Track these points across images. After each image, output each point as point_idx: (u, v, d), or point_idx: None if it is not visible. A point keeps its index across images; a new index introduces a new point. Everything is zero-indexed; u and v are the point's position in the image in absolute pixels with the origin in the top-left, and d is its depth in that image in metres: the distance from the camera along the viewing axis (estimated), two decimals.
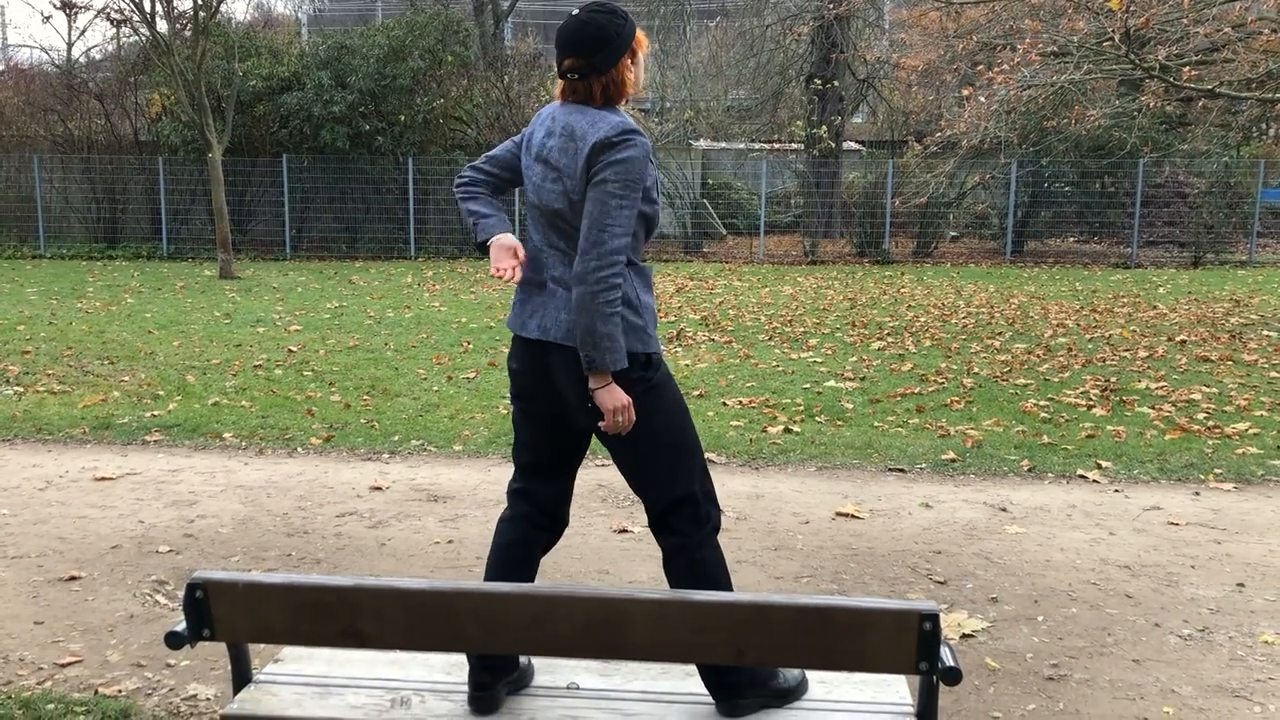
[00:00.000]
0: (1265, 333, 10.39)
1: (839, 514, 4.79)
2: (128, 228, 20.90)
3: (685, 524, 2.69)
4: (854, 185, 21.75)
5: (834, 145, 21.84)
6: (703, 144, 26.84)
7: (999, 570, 4.10)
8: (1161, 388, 7.60)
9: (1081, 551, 4.30)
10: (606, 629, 1.97)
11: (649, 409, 2.64)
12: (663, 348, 9.22)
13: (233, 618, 2.12)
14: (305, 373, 8.21)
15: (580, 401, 2.61)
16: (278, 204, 20.46)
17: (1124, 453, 5.83)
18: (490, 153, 2.84)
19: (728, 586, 2.68)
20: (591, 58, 2.58)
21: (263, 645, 2.29)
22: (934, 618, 1.92)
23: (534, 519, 2.79)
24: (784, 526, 4.62)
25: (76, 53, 27.81)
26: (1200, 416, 6.68)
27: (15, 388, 7.57)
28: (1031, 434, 6.25)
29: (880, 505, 4.93)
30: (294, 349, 9.30)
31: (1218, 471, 5.46)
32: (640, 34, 2.68)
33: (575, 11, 2.66)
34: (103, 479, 5.34)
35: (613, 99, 2.64)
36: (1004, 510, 4.86)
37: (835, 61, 21.49)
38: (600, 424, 2.60)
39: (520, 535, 2.78)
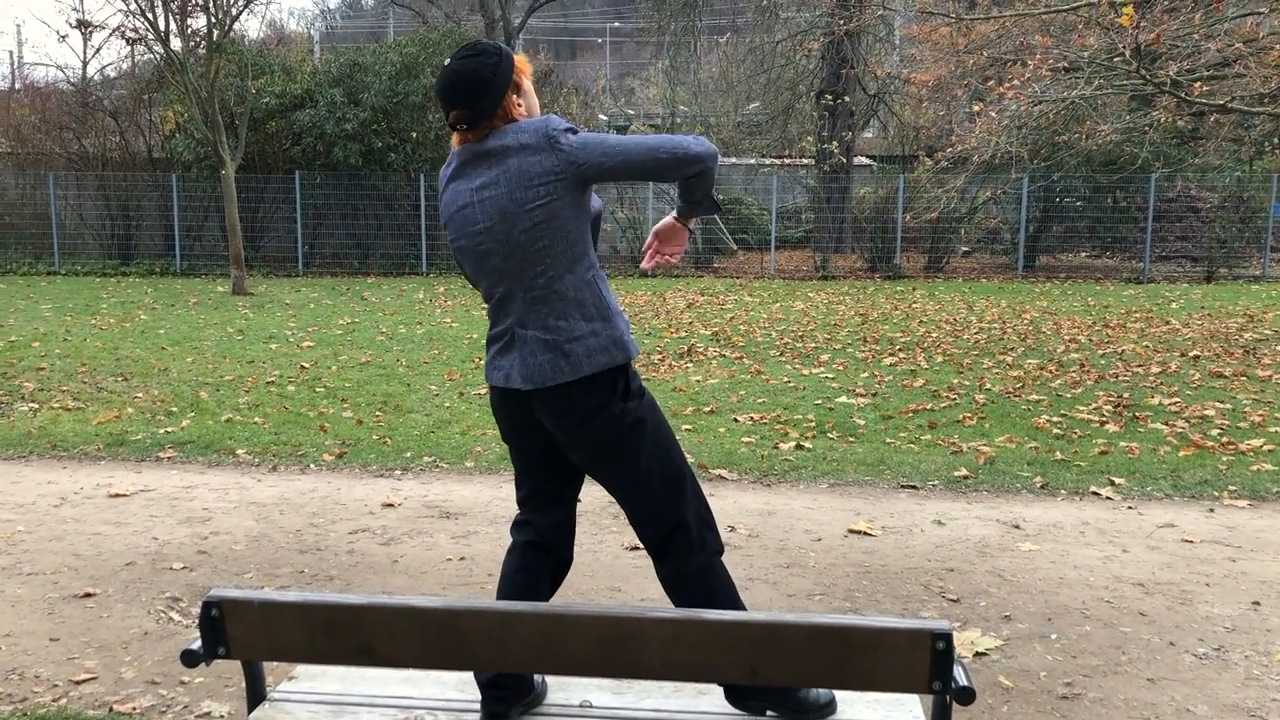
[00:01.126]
0: (1279, 348, 10.34)
1: (851, 531, 4.78)
2: (141, 244, 21.03)
3: (681, 552, 2.67)
4: (865, 200, 21.75)
5: (845, 160, 21.87)
6: None
7: (1012, 588, 4.09)
8: (1175, 404, 7.57)
9: (1095, 569, 4.28)
10: (620, 648, 1.98)
11: (635, 445, 2.61)
12: (673, 363, 9.12)
13: (248, 636, 2.13)
14: (318, 389, 8.24)
15: (569, 439, 2.61)
16: (290, 220, 20.57)
17: (1137, 469, 5.80)
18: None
19: (738, 609, 2.68)
20: (474, 105, 2.54)
21: (277, 663, 2.30)
22: (947, 637, 1.91)
23: (538, 550, 2.80)
24: (796, 544, 4.61)
25: (91, 70, 28.03)
26: (1214, 433, 6.65)
27: (30, 404, 7.62)
28: (1044, 450, 6.24)
29: (893, 522, 4.92)
30: (306, 365, 9.34)
31: (1232, 488, 5.44)
32: (520, 61, 2.63)
33: (448, 62, 2.62)
34: (117, 495, 5.37)
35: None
36: (1017, 527, 4.84)
37: (846, 77, 21.52)
38: (658, 255, 2.67)
39: (526, 564, 2.79)
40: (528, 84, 2.65)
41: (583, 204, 2.55)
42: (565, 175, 2.48)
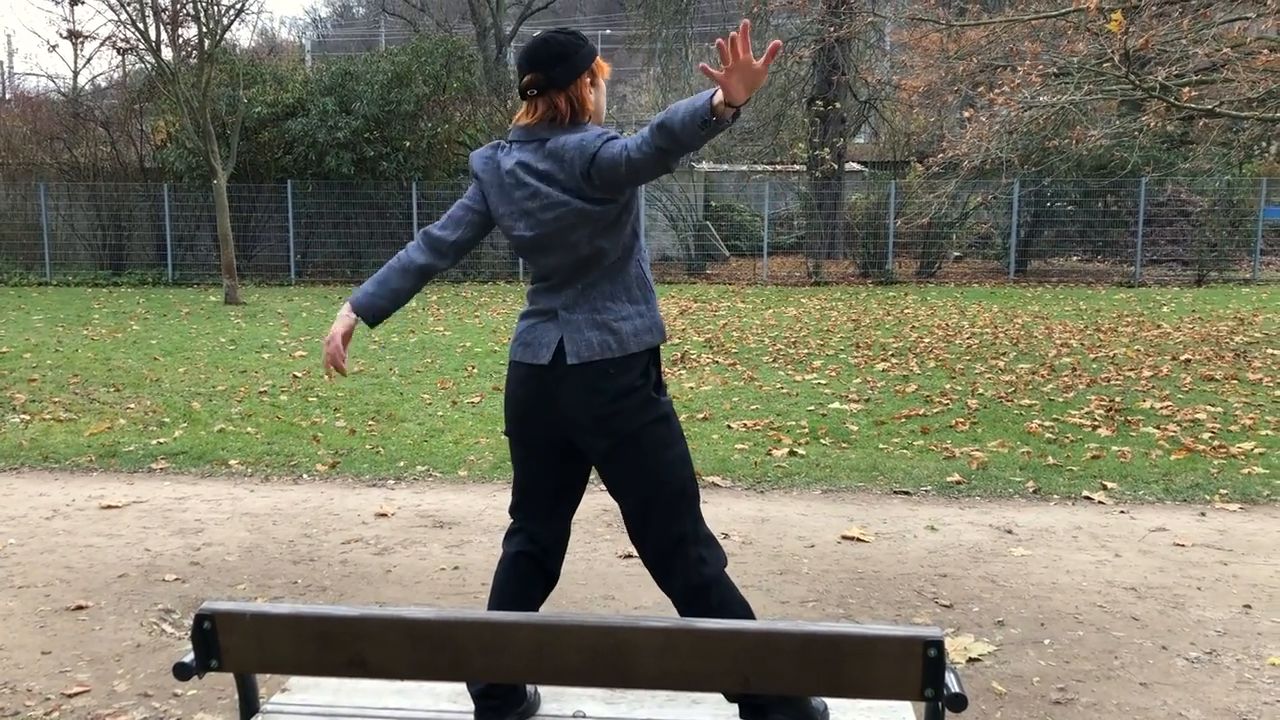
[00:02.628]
0: (1270, 351, 10.38)
1: (844, 537, 4.78)
2: (133, 254, 21.00)
3: (685, 565, 2.67)
4: (857, 206, 21.81)
5: (836, 166, 21.91)
6: (705, 166, 26.93)
7: (1005, 593, 4.10)
8: (1166, 407, 7.60)
9: (1087, 574, 4.29)
10: (613, 658, 1.98)
11: (657, 440, 2.64)
12: (666, 370, 9.14)
13: (240, 648, 2.13)
14: (310, 399, 8.23)
15: (595, 421, 2.62)
16: (282, 229, 20.56)
17: (1129, 473, 5.82)
18: (453, 223, 2.79)
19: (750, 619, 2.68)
20: (549, 71, 2.61)
21: (269, 675, 2.30)
22: (939, 644, 1.92)
23: (530, 560, 2.79)
24: (789, 550, 4.62)
25: (82, 80, 28.02)
26: (1205, 436, 6.67)
27: (22, 415, 7.60)
28: (1036, 455, 6.25)
29: (885, 528, 4.93)
30: (299, 375, 9.33)
31: (1223, 492, 5.46)
32: (601, 61, 2.71)
33: (537, 33, 2.73)
34: (109, 507, 5.35)
35: (578, 116, 2.65)
36: (1009, 532, 4.85)
37: (837, 83, 21.59)
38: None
39: (517, 575, 2.79)
40: (603, 82, 2.72)
41: (629, 205, 2.63)
42: (601, 204, 2.57)
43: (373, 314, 2.76)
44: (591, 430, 2.64)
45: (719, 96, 2.43)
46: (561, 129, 2.62)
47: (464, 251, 2.84)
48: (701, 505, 2.76)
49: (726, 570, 2.73)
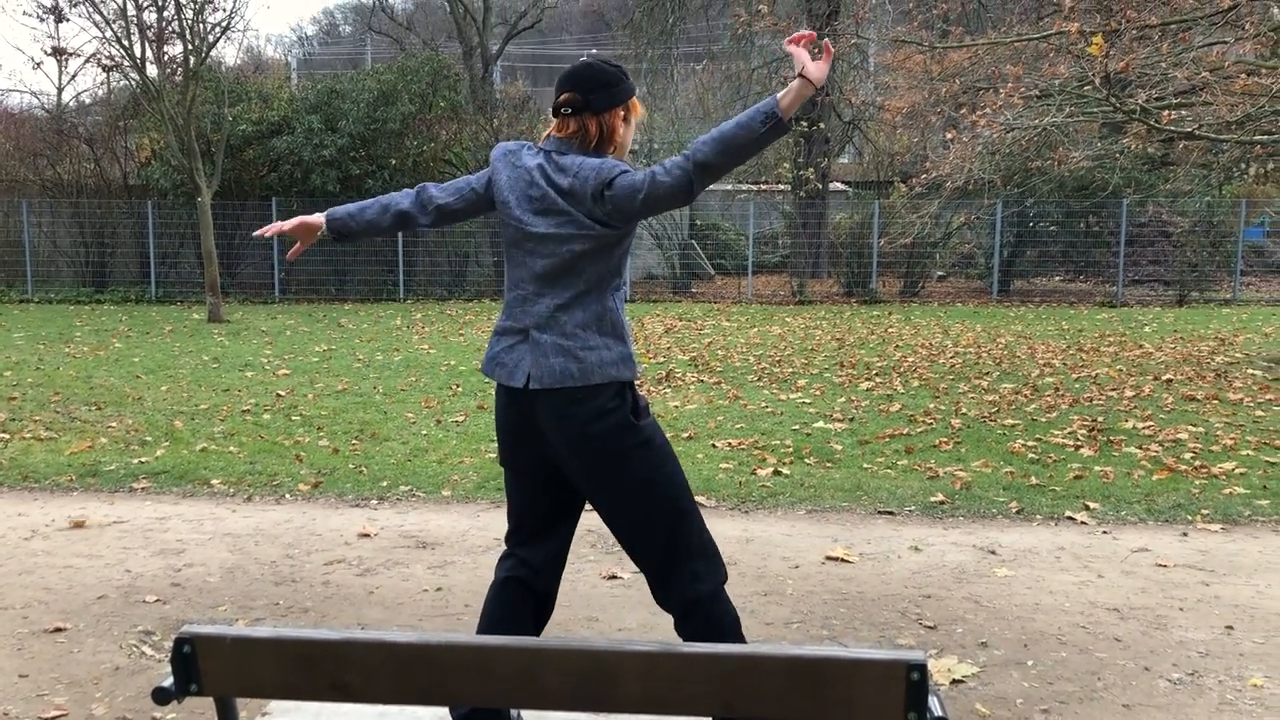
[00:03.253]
0: (1250, 371, 10.46)
1: (829, 558, 4.79)
2: (116, 272, 20.91)
3: (683, 580, 2.69)
4: (841, 225, 21.92)
5: (820, 186, 22.02)
6: None
7: (988, 614, 4.10)
8: (1148, 427, 7.64)
9: (1070, 594, 4.30)
10: (596, 682, 1.97)
11: (642, 464, 2.66)
12: (651, 388, 9.12)
13: (220, 672, 2.11)
14: (293, 417, 8.20)
15: (572, 446, 2.63)
16: (267, 247, 20.49)
17: (1112, 494, 5.85)
18: (455, 190, 2.88)
19: (739, 639, 2.71)
20: (588, 94, 2.67)
21: (250, 699, 2.28)
22: (922, 667, 1.92)
23: (520, 585, 2.79)
24: (774, 571, 4.61)
25: (67, 97, 27.95)
26: (1187, 456, 6.71)
27: (1, 434, 7.54)
28: (1020, 475, 6.27)
29: (870, 549, 4.93)
30: (282, 393, 9.29)
31: (1205, 512, 5.49)
32: (637, 101, 2.76)
33: (584, 58, 2.79)
34: (89, 527, 5.31)
35: (604, 144, 2.69)
36: (993, 553, 4.86)
37: (821, 104, 21.71)
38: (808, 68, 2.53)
39: (506, 600, 2.79)
40: (635, 122, 2.79)
41: (627, 235, 2.69)
42: (607, 228, 2.63)
43: (338, 224, 2.91)
44: (571, 452, 2.65)
45: (788, 98, 2.51)
46: (585, 151, 2.67)
47: (447, 218, 2.90)
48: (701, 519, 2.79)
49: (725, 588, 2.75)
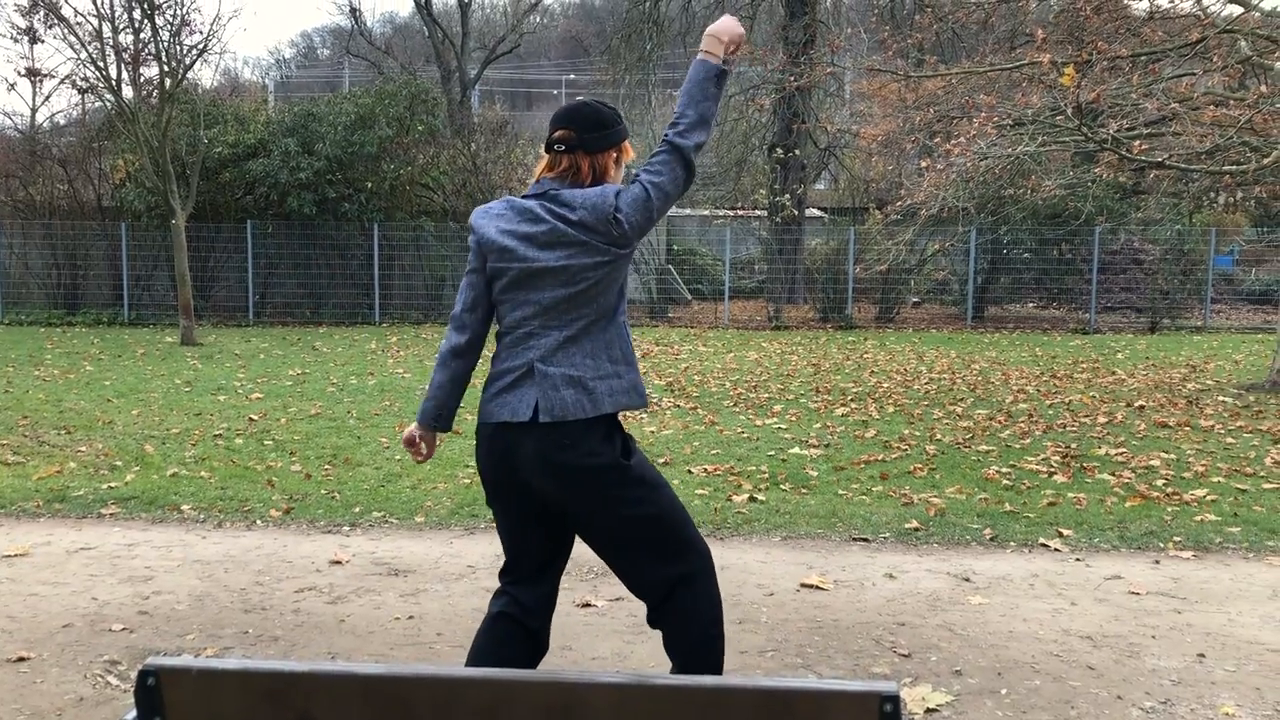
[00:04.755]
0: (1221, 398, 10.55)
1: (804, 585, 4.77)
2: (88, 294, 20.75)
3: (677, 599, 2.78)
4: (817, 251, 22.04)
5: (796, 213, 22.15)
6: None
7: (963, 642, 4.10)
8: (1121, 454, 7.68)
9: (1044, 622, 4.31)
10: (565, 715, 1.95)
11: (638, 496, 2.70)
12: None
13: (186, 705, 2.08)
14: (266, 442, 8.13)
15: (569, 480, 2.64)
16: (241, 270, 20.42)
17: (1085, 520, 5.87)
18: (471, 304, 2.84)
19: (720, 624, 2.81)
20: (583, 133, 2.70)
21: None
22: (895, 698, 1.90)
23: (512, 622, 2.80)
24: (749, 599, 4.60)
25: (41, 118, 27.79)
26: (1159, 483, 6.75)
27: None
28: (994, 502, 6.29)
29: (844, 576, 4.92)
30: (255, 417, 9.22)
31: (1177, 539, 5.51)
32: (629, 145, 2.81)
33: (580, 97, 2.83)
34: (56, 554, 5.23)
35: (595, 184, 2.71)
36: (967, 580, 4.87)
37: (797, 131, 21.86)
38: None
39: (497, 637, 2.79)
40: (625, 164, 2.83)
41: (629, 260, 2.73)
42: (624, 248, 2.67)
43: (441, 418, 2.90)
44: (560, 494, 2.65)
45: (716, 55, 2.77)
46: (578, 187, 2.69)
47: (487, 320, 2.86)
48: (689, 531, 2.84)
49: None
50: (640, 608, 4.36)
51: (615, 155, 2.76)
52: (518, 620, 2.80)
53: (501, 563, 2.92)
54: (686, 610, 2.76)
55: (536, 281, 2.66)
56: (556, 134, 2.71)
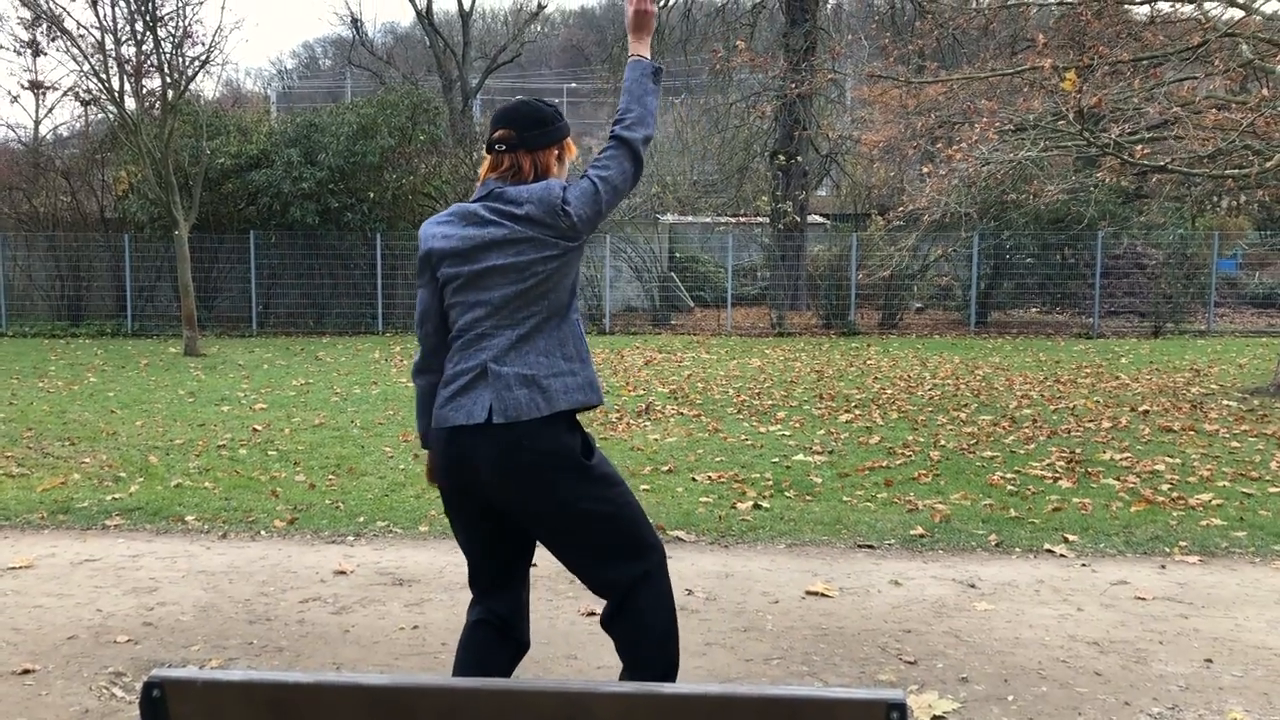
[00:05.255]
0: (1225, 402, 10.53)
1: (809, 593, 4.76)
2: (92, 305, 20.79)
3: (634, 598, 2.80)
4: (819, 258, 22.05)
5: (799, 219, 22.16)
6: (670, 218, 27.13)
7: (969, 649, 4.08)
8: (1126, 459, 7.67)
9: (1050, 628, 4.29)
10: None
11: (598, 494, 2.71)
12: (631, 421, 9.06)
13: (191, 716, 2.07)
14: (270, 452, 8.13)
15: (522, 483, 2.64)
16: (245, 280, 20.44)
17: (1090, 526, 5.85)
18: (421, 317, 2.87)
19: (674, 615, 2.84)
20: (523, 131, 2.71)
21: None
22: (901, 706, 1.90)
23: (490, 628, 2.80)
24: (754, 607, 4.59)
25: (44, 130, 27.85)
26: (1164, 488, 6.73)
27: None
28: (999, 508, 6.27)
29: (850, 583, 4.91)
30: (259, 428, 9.22)
31: (1183, 544, 5.50)
32: (571, 143, 2.82)
33: (520, 97, 2.85)
34: (61, 565, 5.23)
35: (538, 182, 2.71)
36: (973, 586, 4.85)
37: (798, 138, 21.89)
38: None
39: (475, 642, 2.80)
40: (568, 162, 2.85)
41: (580, 255, 2.73)
42: (574, 240, 2.67)
43: (426, 434, 2.93)
44: (518, 495, 2.65)
45: (643, 47, 2.87)
46: (521, 185, 2.67)
47: (443, 330, 2.85)
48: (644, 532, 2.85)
49: (678, 621, 2.83)
50: None
51: (557, 152, 2.77)
52: (495, 626, 2.81)
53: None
54: (649, 608, 2.78)
55: (486, 281, 2.66)
56: (497, 134, 2.74)
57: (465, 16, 34.25)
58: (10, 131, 32.69)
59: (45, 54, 23.77)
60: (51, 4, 17.10)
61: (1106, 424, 9.20)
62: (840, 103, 25.36)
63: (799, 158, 22.57)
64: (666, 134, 30.49)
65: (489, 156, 2.76)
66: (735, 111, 24.30)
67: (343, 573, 5.10)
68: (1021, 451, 8.01)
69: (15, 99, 47.17)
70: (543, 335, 2.66)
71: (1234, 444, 8.25)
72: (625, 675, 2.85)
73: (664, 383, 12.37)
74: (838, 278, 20.45)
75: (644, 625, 2.79)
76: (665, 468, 7.47)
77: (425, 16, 33.79)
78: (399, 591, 4.82)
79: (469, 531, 2.79)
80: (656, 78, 2.86)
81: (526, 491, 2.64)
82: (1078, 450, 8.00)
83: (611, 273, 21.03)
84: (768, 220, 22.91)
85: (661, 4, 24.94)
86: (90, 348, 17.33)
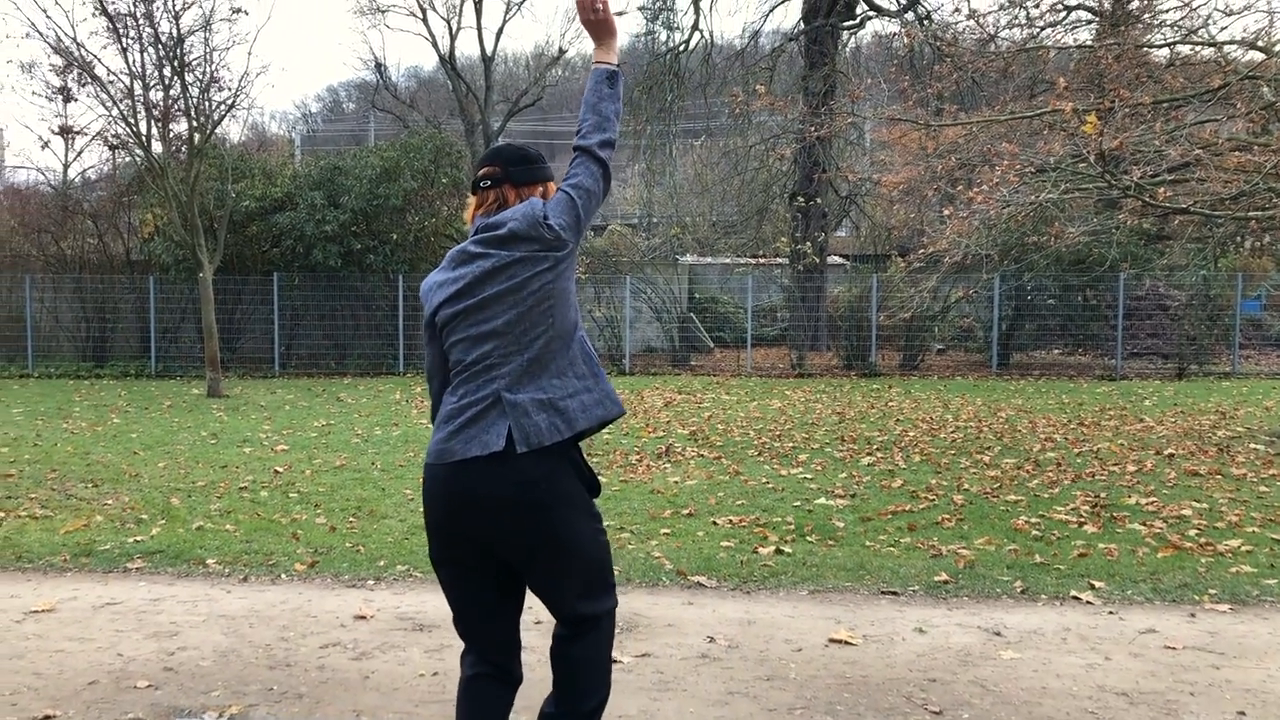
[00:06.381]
0: (1253, 445, 10.42)
1: (832, 640, 4.71)
2: (116, 346, 20.97)
3: (603, 627, 2.88)
4: (839, 299, 22.04)
5: (818, 260, 22.18)
6: (689, 259, 27.23)
7: (995, 699, 4.02)
8: (1152, 503, 7.58)
9: (1078, 678, 4.23)
10: None
11: (592, 530, 2.78)
12: (651, 463, 8.98)
13: None
14: (291, 494, 8.14)
15: (530, 512, 2.65)
16: (267, 321, 20.59)
17: (1117, 572, 5.78)
18: (430, 372, 2.92)
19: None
20: (508, 167, 2.78)
21: None
22: None
23: (489, 680, 2.81)
24: (776, 654, 4.54)
25: (72, 173, 28.27)
26: (1192, 533, 6.64)
27: None
28: (1023, 553, 6.20)
29: (874, 630, 4.86)
30: (280, 469, 9.24)
31: (1212, 592, 5.41)
32: (555, 185, 2.88)
33: (504, 140, 2.94)
34: (83, 609, 5.24)
35: None
36: (998, 634, 4.79)
37: (818, 180, 21.97)
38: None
39: (476, 695, 2.80)
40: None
41: (574, 266, 2.77)
42: (561, 250, 2.69)
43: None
44: (522, 526, 2.66)
45: (606, 53, 2.96)
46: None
47: (445, 367, 2.91)
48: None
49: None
50: (667, 664, 4.32)
51: (541, 190, 2.83)
52: (493, 677, 2.81)
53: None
54: (604, 641, 2.85)
55: (486, 311, 2.68)
56: (482, 172, 2.82)
57: (487, 61, 34.67)
58: (40, 175, 33.18)
59: (76, 100, 24.15)
60: (83, 51, 17.40)
61: (1131, 467, 9.10)
62: (859, 145, 25.47)
63: (818, 199, 22.64)
64: (686, 175, 30.67)
65: (475, 196, 2.81)
66: (755, 154, 24.44)
67: (363, 617, 5.08)
68: (1046, 495, 7.94)
69: (46, 144, 47.87)
70: (553, 357, 2.68)
71: (1262, 488, 8.15)
72: (557, 700, 2.85)
73: (684, 424, 12.34)
74: (858, 319, 20.42)
75: (597, 659, 2.85)
76: (686, 511, 7.44)
77: (448, 61, 34.22)
78: (419, 637, 4.79)
79: (465, 578, 2.78)
80: (612, 82, 2.92)
81: (533, 524, 2.64)
82: (1102, 494, 7.92)
83: (631, 313, 21.08)
84: (787, 261, 22.96)
85: (681, 48, 25.19)
86: (114, 389, 17.46)
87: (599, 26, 2.96)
